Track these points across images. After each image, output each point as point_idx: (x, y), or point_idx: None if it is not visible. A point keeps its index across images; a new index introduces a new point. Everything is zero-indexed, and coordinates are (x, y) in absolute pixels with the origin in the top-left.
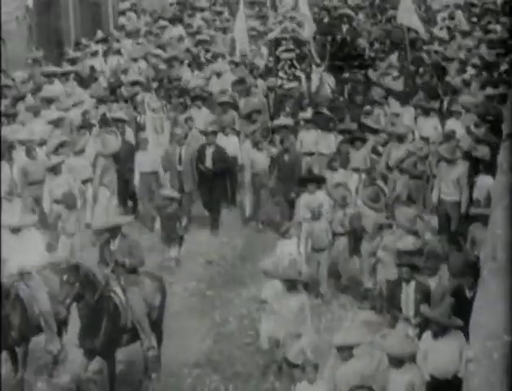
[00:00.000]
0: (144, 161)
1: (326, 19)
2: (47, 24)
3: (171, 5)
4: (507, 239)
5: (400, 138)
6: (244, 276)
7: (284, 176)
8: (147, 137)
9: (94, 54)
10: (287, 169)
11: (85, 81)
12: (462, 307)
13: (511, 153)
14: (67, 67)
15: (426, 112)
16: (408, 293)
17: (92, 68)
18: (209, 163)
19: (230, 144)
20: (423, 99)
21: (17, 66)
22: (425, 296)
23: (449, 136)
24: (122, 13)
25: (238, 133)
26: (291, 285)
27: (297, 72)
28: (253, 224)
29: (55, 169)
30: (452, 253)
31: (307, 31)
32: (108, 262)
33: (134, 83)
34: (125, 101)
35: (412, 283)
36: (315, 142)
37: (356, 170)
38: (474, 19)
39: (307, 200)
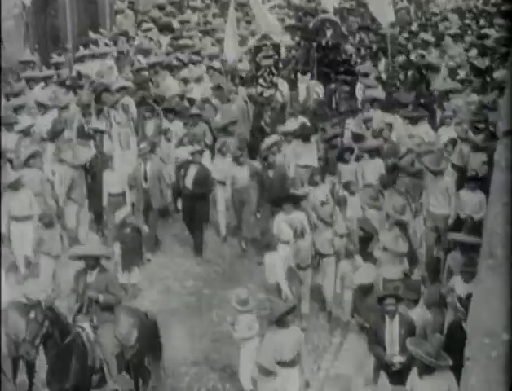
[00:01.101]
0: (112, 181)
1: (311, 24)
2: (44, 23)
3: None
4: (505, 237)
5: (374, 152)
6: (241, 275)
7: (269, 193)
8: (114, 153)
9: (81, 59)
10: (273, 185)
11: (68, 87)
12: (457, 343)
13: (509, 150)
14: (49, 71)
15: (414, 121)
16: (393, 328)
17: (79, 74)
18: (189, 182)
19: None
20: (412, 107)
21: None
22: (410, 330)
23: (449, 144)
24: (121, 11)
25: (211, 147)
26: (289, 319)
27: (275, 79)
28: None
29: (14, 185)
30: (428, 284)
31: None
32: (80, 294)
33: (121, 89)
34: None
35: (397, 317)
36: (298, 155)
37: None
38: (468, 22)
39: (286, 220)
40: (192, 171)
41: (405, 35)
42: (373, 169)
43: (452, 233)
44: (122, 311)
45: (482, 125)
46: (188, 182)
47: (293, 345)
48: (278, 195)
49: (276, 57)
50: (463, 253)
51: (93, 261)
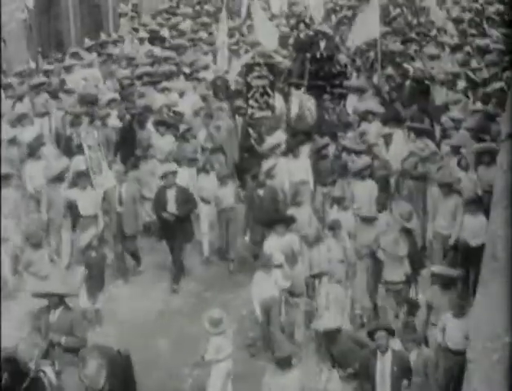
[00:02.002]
0: (84, 203)
1: (302, 34)
2: (47, 25)
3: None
4: (507, 239)
5: (364, 173)
6: (243, 277)
7: (260, 214)
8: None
9: (69, 68)
10: (263, 205)
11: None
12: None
13: (511, 153)
14: (42, 78)
15: (419, 134)
16: (384, 365)
17: (63, 82)
18: (172, 207)
19: (183, 176)
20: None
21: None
22: (404, 368)
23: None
24: (124, 14)
25: (199, 163)
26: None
27: (271, 101)
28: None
29: None
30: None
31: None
32: (42, 335)
33: (110, 101)
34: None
35: (389, 354)
36: (291, 171)
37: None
38: (473, 31)
39: (277, 243)
40: (171, 195)
41: (400, 45)
42: (364, 191)
43: (432, 265)
44: (89, 351)
45: (487, 136)
46: (171, 207)
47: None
48: (269, 215)
49: (271, 77)
50: (443, 288)
51: (57, 300)
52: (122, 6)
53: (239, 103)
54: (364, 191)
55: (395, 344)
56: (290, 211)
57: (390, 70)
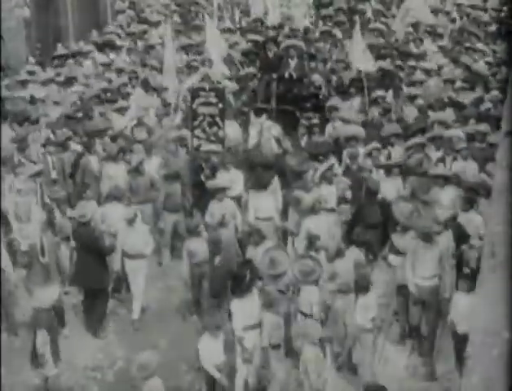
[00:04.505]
0: None
1: (271, 53)
2: (46, 22)
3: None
4: (506, 236)
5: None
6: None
7: (216, 283)
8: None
9: (24, 83)
10: (217, 276)
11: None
12: None
13: (510, 151)
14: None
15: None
16: None
17: (33, 98)
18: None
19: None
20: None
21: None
22: None
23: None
24: (122, 11)
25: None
26: None
27: (221, 133)
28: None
29: None
30: None
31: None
32: None
33: (49, 124)
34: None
35: None
36: (256, 206)
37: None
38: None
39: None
40: (84, 230)
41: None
42: (324, 225)
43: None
44: None
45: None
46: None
47: None
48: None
49: (221, 105)
50: None
51: None
52: (119, 2)
53: (182, 132)
54: (325, 227)
55: None
56: (249, 251)
57: (378, 93)
